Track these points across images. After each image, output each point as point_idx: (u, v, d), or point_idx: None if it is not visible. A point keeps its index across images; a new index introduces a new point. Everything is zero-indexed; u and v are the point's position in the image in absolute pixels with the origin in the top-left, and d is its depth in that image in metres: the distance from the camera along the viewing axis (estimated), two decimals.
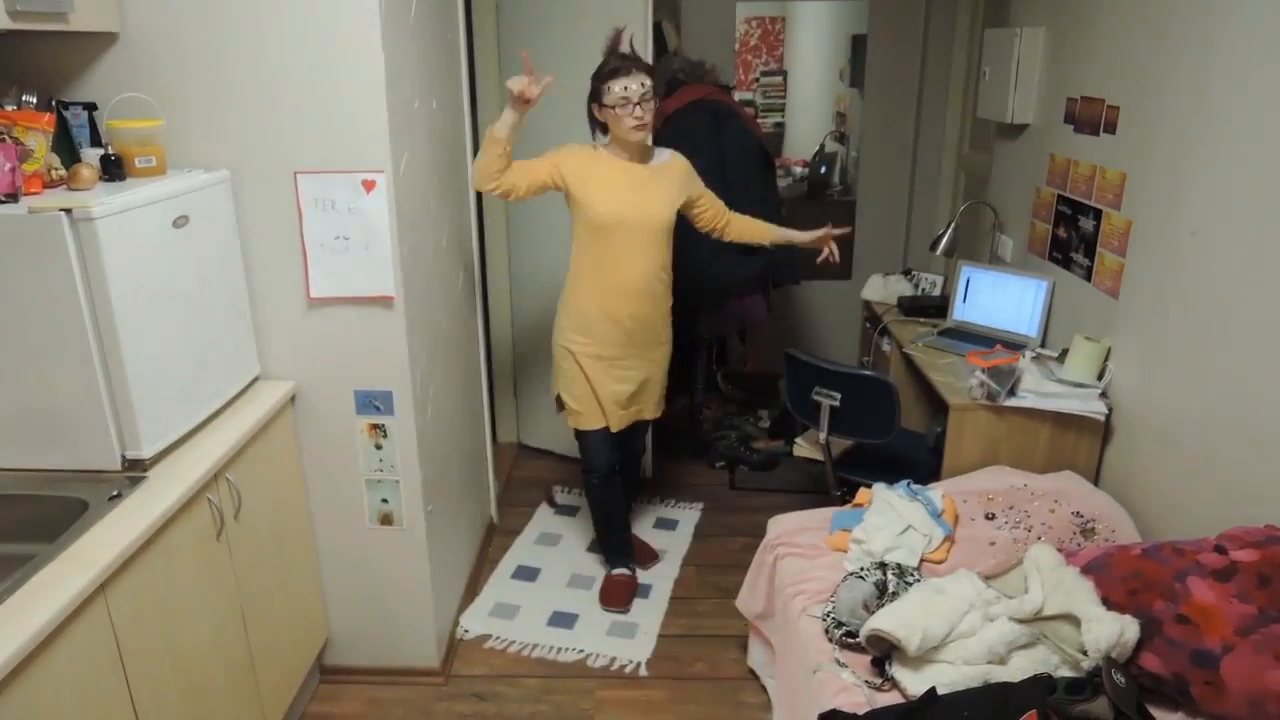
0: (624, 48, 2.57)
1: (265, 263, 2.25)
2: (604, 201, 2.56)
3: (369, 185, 2.18)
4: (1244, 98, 2.03)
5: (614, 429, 2.83)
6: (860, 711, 1.77)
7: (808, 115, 5.85)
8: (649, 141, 2.70)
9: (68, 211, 1.66)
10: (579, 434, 2.89)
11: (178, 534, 1.80)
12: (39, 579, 1.49)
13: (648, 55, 3.38)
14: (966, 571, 2.08)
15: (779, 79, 6.21)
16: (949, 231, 3.42)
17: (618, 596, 2.98)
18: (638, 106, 2.47)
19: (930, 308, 3.48)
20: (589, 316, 2.70)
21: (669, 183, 2.66)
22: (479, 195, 3.16)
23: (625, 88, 2.45)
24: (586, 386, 2.77)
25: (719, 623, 2.91)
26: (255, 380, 2.31)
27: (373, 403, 2.37)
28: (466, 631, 2.90)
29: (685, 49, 4.20)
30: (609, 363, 2.75)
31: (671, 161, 2.70)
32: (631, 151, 2.60)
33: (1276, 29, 1.93)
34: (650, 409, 2.91)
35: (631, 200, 2.58)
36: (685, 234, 3.73)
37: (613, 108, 2.49)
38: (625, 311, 2.68)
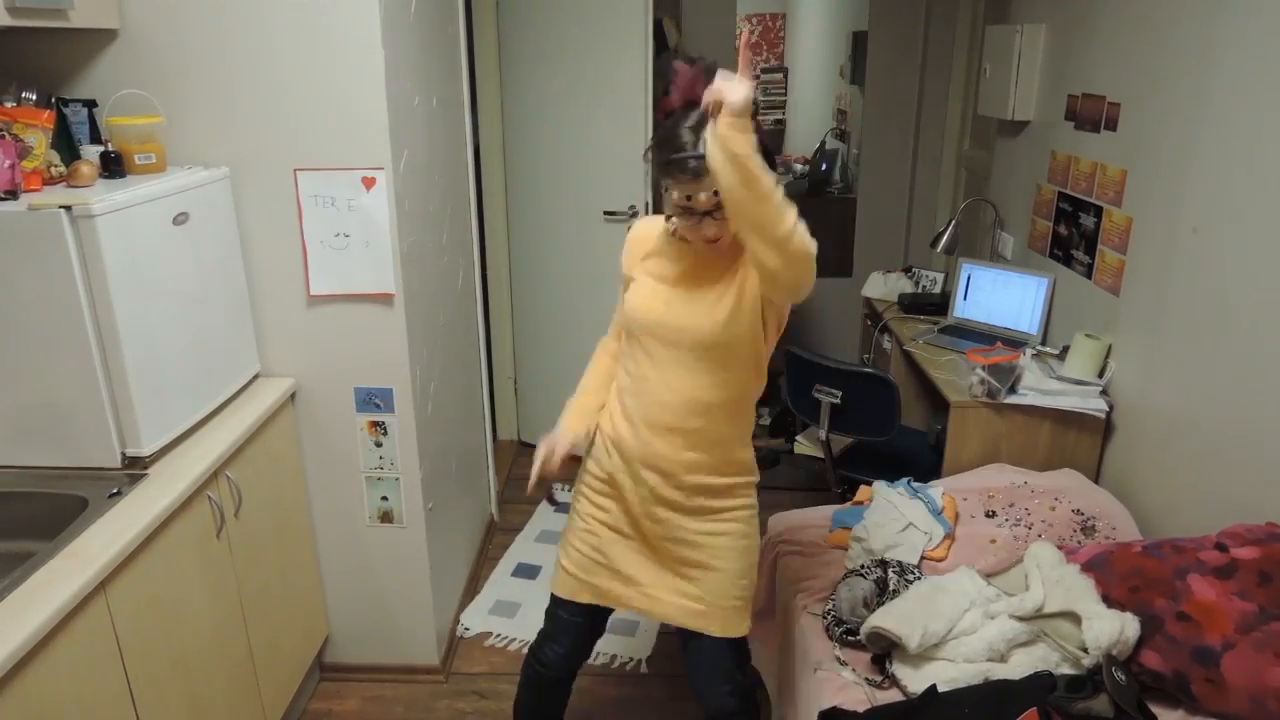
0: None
1: (265, 260, 2.25)
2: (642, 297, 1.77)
3: (369, 182, 2.18)
4: (1245, 95, 2.03)
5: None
6: (861, 709, 1.77)
7: (808, 112, 5.85)
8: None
9: (68, 209, 1.66)
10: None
11: (178, 531, 1.80)
12: (39, 577, 1.49)
13: (648, 55, 3.38)
14: (967, 569, 2.08)
15: (779, 76, 6.21)
16: (950, 229, 3.42)
17: None
18: (704, 219, 1.60)
19: (931, 305, 3.48)
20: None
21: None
22: (479, 192, 3.15)
23: (688, 197, 1.58)
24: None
25: None
26: (255, 378, 2.31)
27: (373, 400, 2.37)
28: (467, 629, 2.90)
29: (685, 46, 4.20)
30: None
31: None
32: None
33: (1278, 26, 1.92)
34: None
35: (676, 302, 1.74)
36: None
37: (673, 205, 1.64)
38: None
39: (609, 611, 1.96)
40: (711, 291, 1.69)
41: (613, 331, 1.93)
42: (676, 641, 1.95)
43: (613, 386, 1.86)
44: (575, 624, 1.94)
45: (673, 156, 1.56)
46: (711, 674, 1.87)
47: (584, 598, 1.90)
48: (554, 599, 1.94)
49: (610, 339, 1.94)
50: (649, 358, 1.74)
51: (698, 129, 1.52)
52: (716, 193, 1.51)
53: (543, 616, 2.01)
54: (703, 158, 1.46)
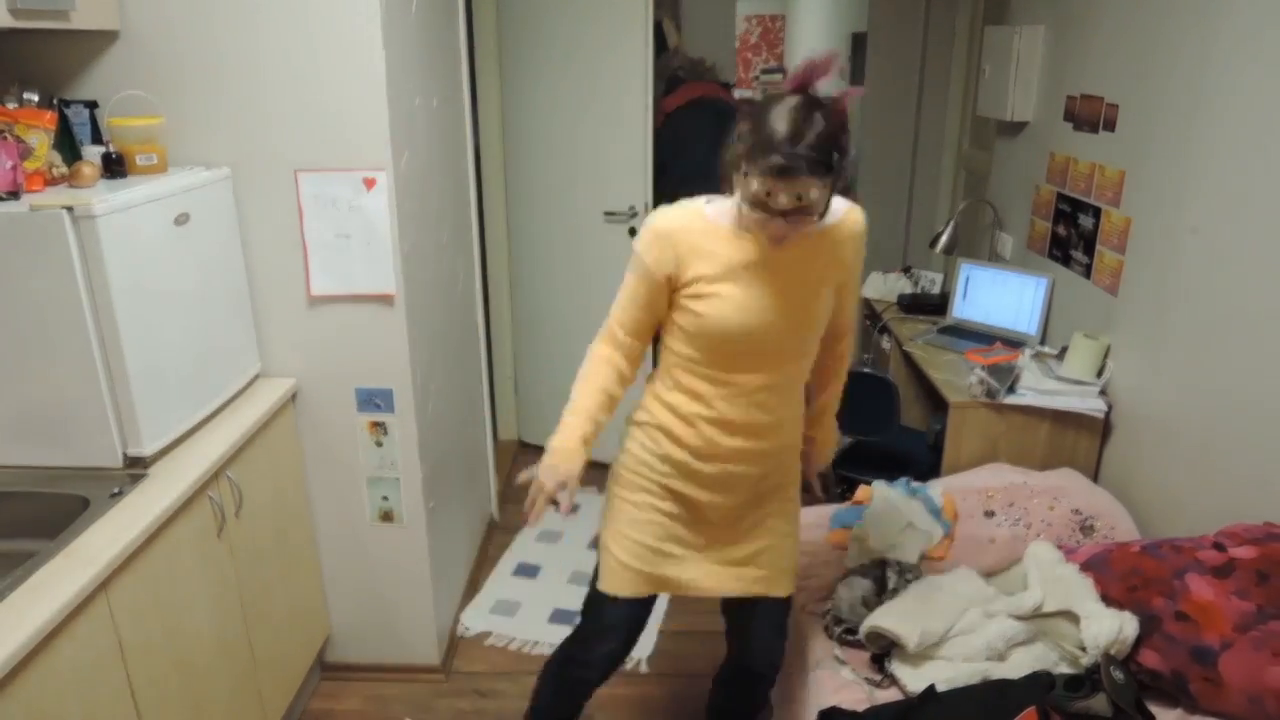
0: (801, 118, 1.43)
1: (266, 260, 2.26)
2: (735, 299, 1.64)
3: (370, 183, 2.18)
4: (1243, 95, 2.03)
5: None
6: (860, 708, 1.78)
7: None
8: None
9: (69, 209, 1.66)
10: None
11: (179, 531, 1.80)
12: (40, 576, 1.49)
13: (648, 55, 3.38)
14: (966, 569, 2.09)
15: (779, 77, 6.21)
16: (949, 229, 3.42)
17: None
18: (784, 219, 1.50)
19: (930, 305, 3.48)
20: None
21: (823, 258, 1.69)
22: (479, 192, 3.16)
23: (770, 195, 1.47)
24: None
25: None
26: (256, 378, 2.31)
27: (373, 400, 2.38)
28: (467, 628, 2.90)
29: (685, 46, 4.20)
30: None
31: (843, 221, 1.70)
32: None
33: (1275, 27, 1.93)
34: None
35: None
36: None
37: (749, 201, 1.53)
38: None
39: (655, 600, 1.91)
40: (802, 282, 1.66)
41: (609, 335, 1.73)
42: (722, 606, 1.99)
43: (672, 395, 1.73)
44: (631, 618, 1.88)
45: (774, 157, 1.43)
46: (772, 633, 1.93)
47: (645, 590, 1.83)
48: (605, 598, 1.83)
49: (604, 344, 1.74)
50: (748, 364, 1.66)
51: (800, 117, 1.42)
52: (800, 197, 1.46)
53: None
54: (802, 158, 1.41)
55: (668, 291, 1.67)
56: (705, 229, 1.63)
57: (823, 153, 1.42)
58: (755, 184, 1.48)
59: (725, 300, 1.62)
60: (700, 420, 1.71)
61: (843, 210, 1.70)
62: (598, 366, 1.74)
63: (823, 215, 1.54)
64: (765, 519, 1.84)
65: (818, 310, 1.69)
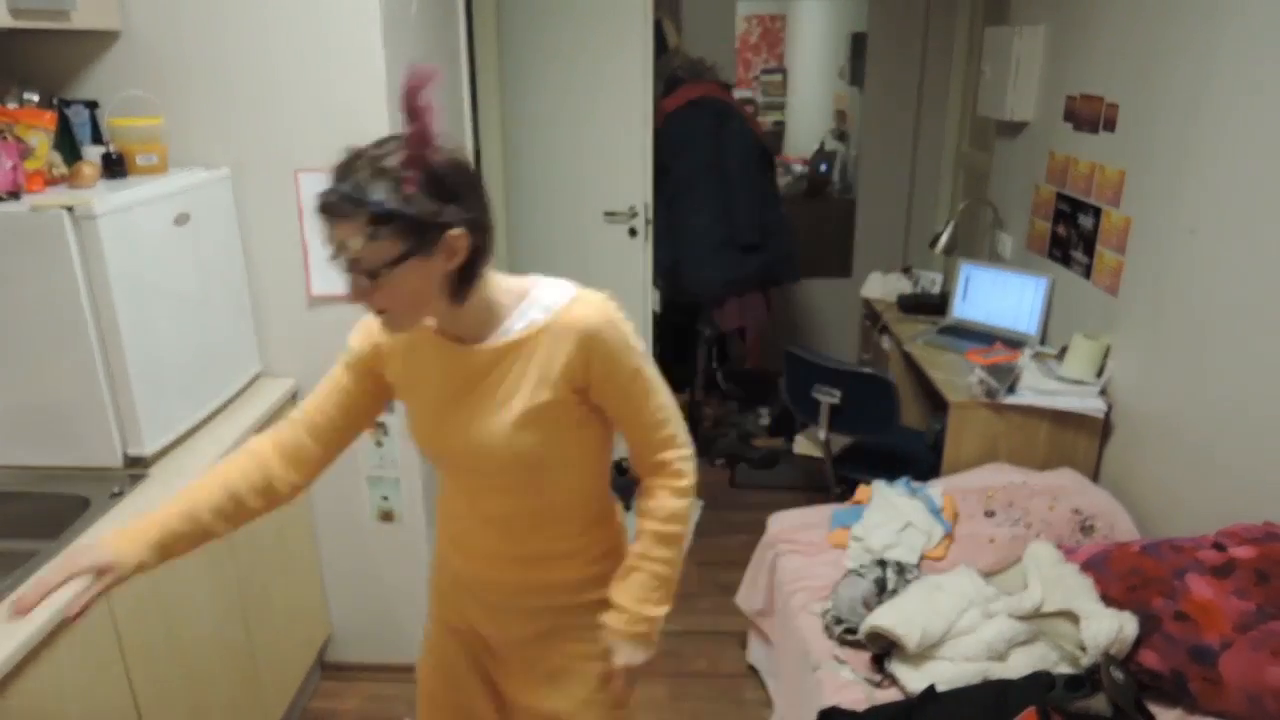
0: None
1: (266, 260, 2.26)
2: (418, 416, 1.35)
3: None
4: (1243, 96, 2.03)
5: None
6: (860, 708, 1.78)
7: (808, 113, 5.85)
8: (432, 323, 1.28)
9: (70, 209, 1.66)
10: None
11: None
12: (41, 576, 1.49)
13: (648, 55, 3.38)
14: (966, 568, 2.09)
15: (779, 77, 6.21)
16: (948, 229, 3.42)
17: None
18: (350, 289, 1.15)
19: (930, 305, 3.48)
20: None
21: (522, 375, 1.26)
22: None
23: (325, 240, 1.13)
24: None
25: (719, 620, 2.91)
26: (256, 377, 2.31)
27: None
28: None
29: (685, 47, 4.20)
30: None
31: (546, 326, 1.26)
32: (459, 325, 1.27)
33: (1276, 27, 1.93)
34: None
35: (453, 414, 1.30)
36: (679, 232, 3.75)
37: None
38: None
39: None
40: (484, 397, 1.27)
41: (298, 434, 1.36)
42: None
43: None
44: None
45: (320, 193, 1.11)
46: None
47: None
48: None
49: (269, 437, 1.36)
50: (458, 486, 1.39)
51: (357, 149, 1.12)
52: (342, 246, 1.10)
53: None
54: (331, 193, 1.09)
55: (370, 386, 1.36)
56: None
57: (358, 190, 1.07)
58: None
59: (410, 410, 1.36)
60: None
61: (559, 304, 1.27)
62: (234, 459, 1.37)
63: (376, 277, 1.11)
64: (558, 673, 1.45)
65: (513, 435, 1.25)
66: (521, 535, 1.37)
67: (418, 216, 1.09)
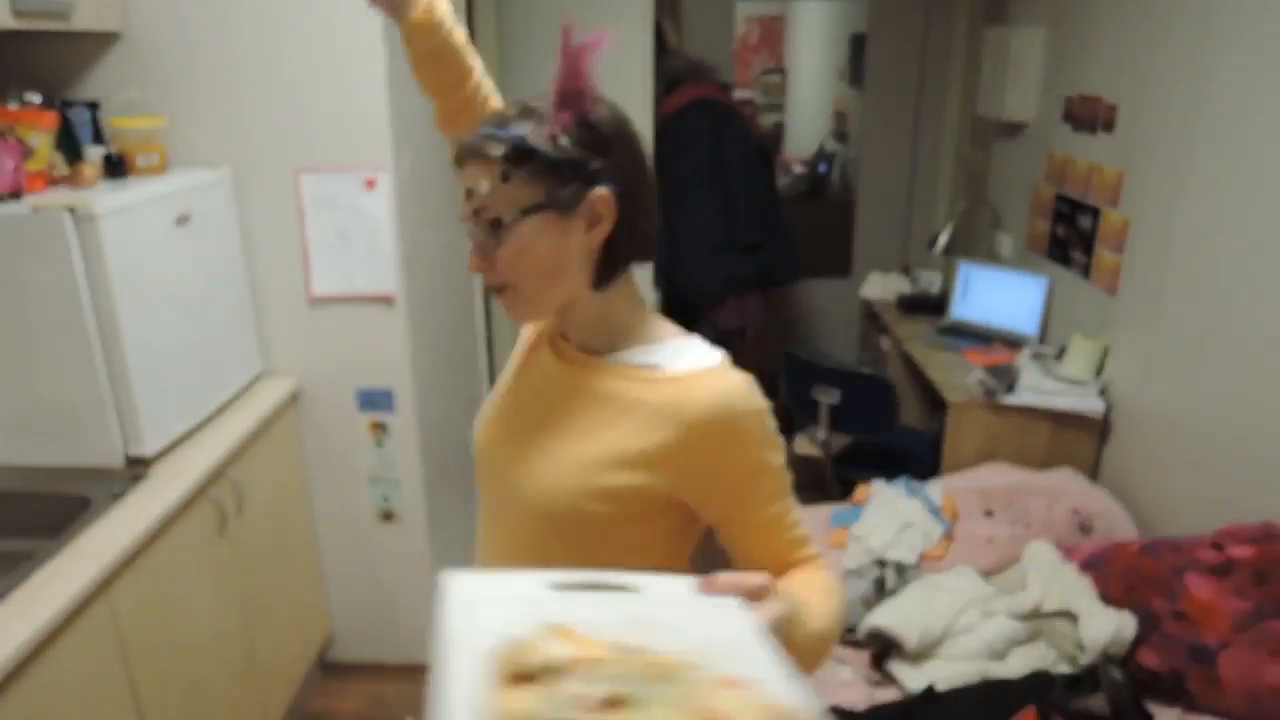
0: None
1: (267, 261, 2.26)
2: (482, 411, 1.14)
3: (371, 183, 2.19)
4: (1242, 96, 2.04)
5: None
6: (859, 708, 1.78)
7: (807, 114, 5.85)
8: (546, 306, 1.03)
9: (71, 210, 1.67)
10: None
11: (180, 531, 1.80)
12: (41, 576, 1.49)
13: (648, 55, 3.38)
14: (965, 568, 2.09)
15: (778, 78, 6.21)
16: (948, 229, 3.43)
17: None
18: (473, 242, 0.98)
19: (929, 306, 3.49)
20: None
21: (618, 427, 0.99)
22: None
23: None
24: None
25: None
26: (257, 378, 2.32)
27: (374, 401, 2.38)
28: None
29: (685, 47, 4.21)
30: None
31: (681, 379, 1.00)
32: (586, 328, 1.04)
33: (1275, 28, 1.94)
34: None
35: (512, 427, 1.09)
36: (679, 233, 3.75)
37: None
38: None
39: None
40: (573, 422, 1.01)
41: None
42: None
43: None
44: None
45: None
46: None
47: None
48: None
49: None
50: (485, 499, 1.16)
51: (520, 101, 1.03)
52: (469, 192, 0.95)
53: None
54: (477, 135, 0.96)
55: None
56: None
57: (500, 124, 0.97)
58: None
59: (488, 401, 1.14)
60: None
61: (696, 370, 1.02)
62: None
63: (501, 226, 0.94)
64: None
65: (585, 474, 0.98)
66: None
67: (559, 159, 0.94)
